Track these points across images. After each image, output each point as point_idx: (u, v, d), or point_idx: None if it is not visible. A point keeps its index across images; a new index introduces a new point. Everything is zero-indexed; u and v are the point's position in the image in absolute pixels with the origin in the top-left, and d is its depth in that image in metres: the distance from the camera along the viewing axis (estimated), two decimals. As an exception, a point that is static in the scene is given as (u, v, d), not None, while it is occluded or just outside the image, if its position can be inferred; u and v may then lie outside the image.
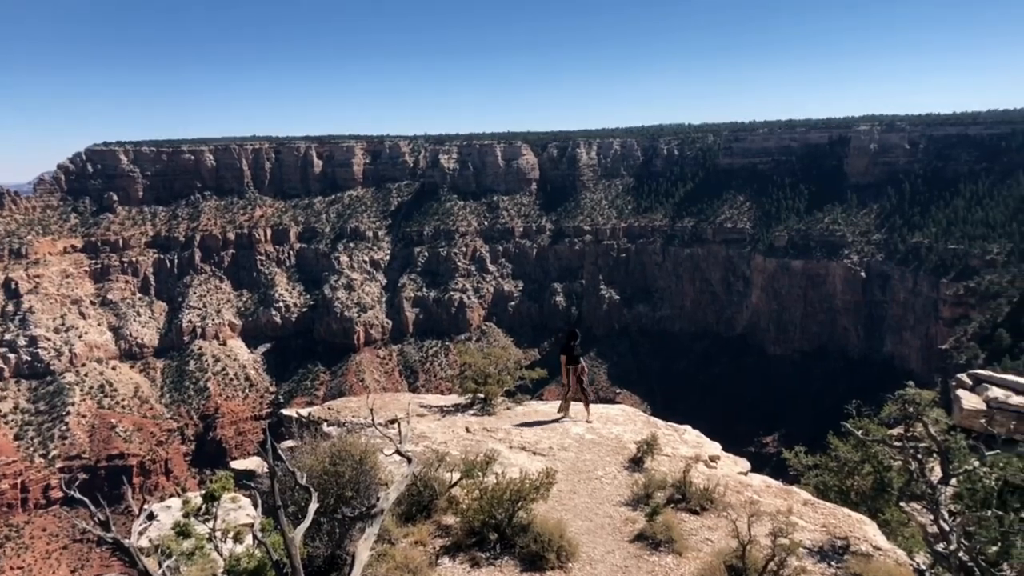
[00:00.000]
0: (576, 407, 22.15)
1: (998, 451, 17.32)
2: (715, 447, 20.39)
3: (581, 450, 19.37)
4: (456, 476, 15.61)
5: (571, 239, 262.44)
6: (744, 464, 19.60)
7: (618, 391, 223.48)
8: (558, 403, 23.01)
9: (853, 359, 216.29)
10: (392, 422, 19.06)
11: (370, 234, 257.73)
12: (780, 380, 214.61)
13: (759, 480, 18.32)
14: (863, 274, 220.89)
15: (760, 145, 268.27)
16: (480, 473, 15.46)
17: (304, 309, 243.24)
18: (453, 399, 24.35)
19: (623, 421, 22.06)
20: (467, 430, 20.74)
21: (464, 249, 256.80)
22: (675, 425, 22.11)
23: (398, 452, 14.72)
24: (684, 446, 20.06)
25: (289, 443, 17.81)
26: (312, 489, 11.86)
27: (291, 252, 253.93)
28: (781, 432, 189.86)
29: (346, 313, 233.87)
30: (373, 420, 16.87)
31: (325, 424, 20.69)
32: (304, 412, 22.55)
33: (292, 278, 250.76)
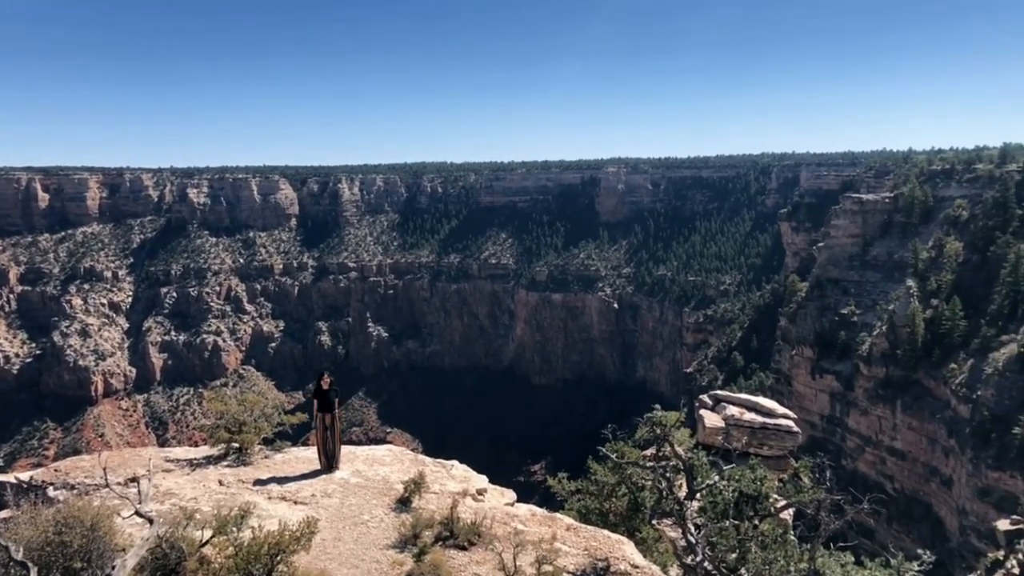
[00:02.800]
0: (342, 453, 21.17)
1: (734, 465, 19.09)
2: (482, 480, 20.51)
3: (346, 495, 18.62)
4: (207, 534, 14.26)
5: (336, 276, 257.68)
6: (511, 495, 19.86)
7: (389, 430, 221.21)
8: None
9: (611, 385, 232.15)
10: (133, 480, 17.13)
11: (108, 274, 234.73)
12: (545, 409, 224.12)
13: (525, 509, 18.64)
14: (616, 305, 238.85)
15: (519, 184, 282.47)
16: (235, 528, 14.25)
17: (29, 359, 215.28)
18: (205, 451, 22.42)
19: (390, 461, 21.57)
20: (220, 483, 19.14)
21: (218, 288, 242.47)
22: (443, 461, 22.00)
23: (138, 513, 13.22)
24: (452, 482, 19.98)
25: (4, 513, 15.42)
26: (30, 564, 10.35)
27: (11, 296, 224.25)
28: (548, 460, 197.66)
29: (80, 362, 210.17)
30: (107, 480, 15.02)
31: (51, 488, 18.10)
32: (24, 476, 19.59)
33: (13, 325, 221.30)
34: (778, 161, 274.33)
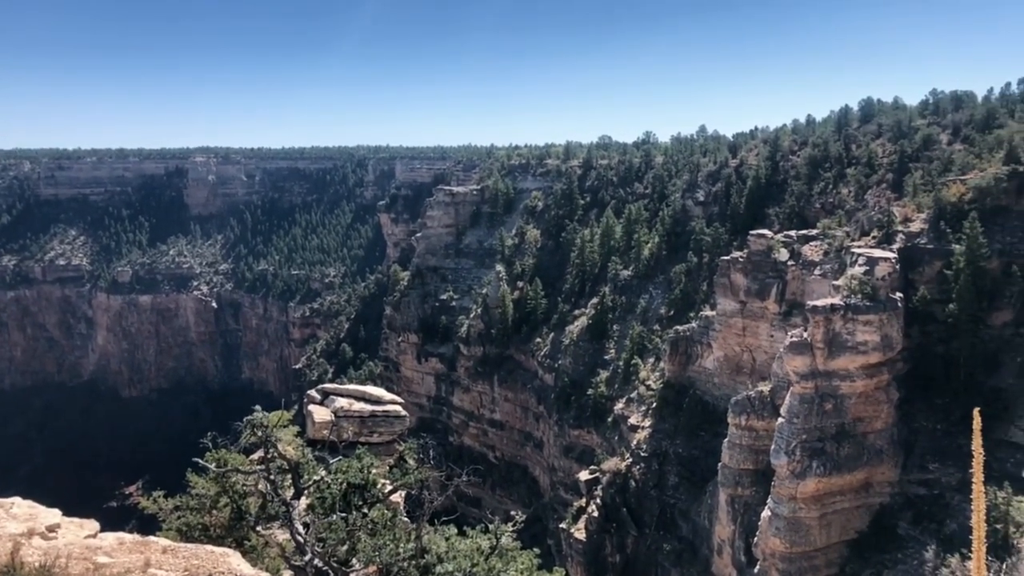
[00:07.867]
0: None
1: (341, 457, 18.61)
2: (54, 514, 17.10)
3: None
4: None
5: None
6: (93, 525, 16.91)
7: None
8: None
9: (214, 390, 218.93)
10: None
11: None
12: (139, 423, 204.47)
13: (112, 538, 16.00)
14: (215, 304, 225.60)
15: (90, 175, 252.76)
16: None
17: None
18: None
19: (-81, 512, 16.91)
20: None
21: None
22: (-1, 500, 17.96)
23: None
24: (13, 522, 16.28)
25: None
26: None
27: None
28: (146, 478, 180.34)
29: None
30: None
31: None
32: None
33: None
34: (373, 154, 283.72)
